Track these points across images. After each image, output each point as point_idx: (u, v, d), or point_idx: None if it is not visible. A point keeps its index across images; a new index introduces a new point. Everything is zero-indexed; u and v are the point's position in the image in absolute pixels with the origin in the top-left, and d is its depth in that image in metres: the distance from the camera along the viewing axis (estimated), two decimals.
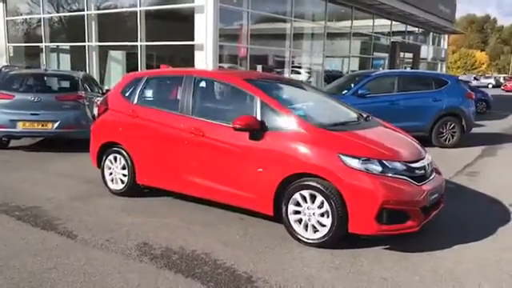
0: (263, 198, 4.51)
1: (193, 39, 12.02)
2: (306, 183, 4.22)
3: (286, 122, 4.46)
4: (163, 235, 4.47)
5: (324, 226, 4.17)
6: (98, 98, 9.72)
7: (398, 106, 10.03)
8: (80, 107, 8.83)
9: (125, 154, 5.64)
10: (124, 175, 5.72)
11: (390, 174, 4.06)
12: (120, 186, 5.78)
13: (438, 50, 30.55)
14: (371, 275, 3.70)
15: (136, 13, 12.92)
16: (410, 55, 23.23)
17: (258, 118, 4.56)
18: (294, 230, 4.34)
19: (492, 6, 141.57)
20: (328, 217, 4.13)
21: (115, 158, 5.79)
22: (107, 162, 5.88)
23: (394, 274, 3.73)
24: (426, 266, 3.88)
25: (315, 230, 4.23)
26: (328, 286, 3.49)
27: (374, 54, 20.86)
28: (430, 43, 28.50)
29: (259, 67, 13.97)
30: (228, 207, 5.09)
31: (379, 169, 4.05)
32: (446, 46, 32.07)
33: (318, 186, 4.14)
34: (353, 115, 5.20)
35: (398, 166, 4.15)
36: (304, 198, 4.26)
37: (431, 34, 28.33)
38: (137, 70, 13.36)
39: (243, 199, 4.68)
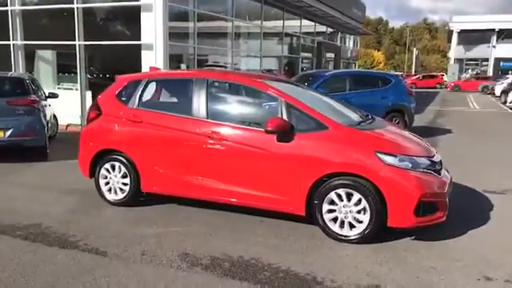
0: (296, 199, 4.56)
1: (139, 39, 11.54)
2: (341, 182, 4.35)
3: (314, 123, 4.56)
4: (198, 243, 4.34)
5: (361, 222, 4.34)
6: (44, 103, 8.99)
7: (351, 103, 10.53)
8: (34, 112, 8.11)
9: (126, 161, 5.34)
10: (124, 184, 5.41)
11: (420, 169, 4.35)
12: (120, 196, 5.45)
13: (352, 50, 32.47)
14: (420, 265, 3.94)
15: (73, 9, 12.04)
16: (332, 55, 24.45)
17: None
18: (330, 229, 4.46)
19: (381, 9, 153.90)
20: (365, 213, 4.30)
21: (113, 167, 5.45)
22: (103, 171, 5.52)
23: (437, 262, 4.01)
24: (458, 253, 4.22)
25: (352, 227, 4.39)
26: (391, 279, 3.66)
27: (301, 53, 21.63)
28: (347, 44, 30.22)
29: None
30: (239, 210, 5.06)
31: (411, 165, 4.31)
32: (358, 47, 34.21)
33: (356, 184, 4.29)
34: (360, 114, 5.43)
35: (425, 161, 4.45)
36: (339, 197, 4.39)
37: (347, 35, 30.03)
38: (75, 71, 12.53)
39: (273, 201, 4.69)
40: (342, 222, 4.42)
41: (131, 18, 11.88)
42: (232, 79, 5.45)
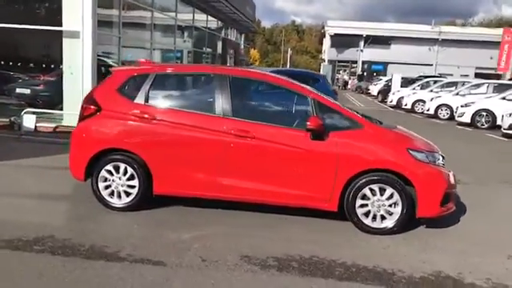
0: (329, 196, 4.72)
1: (60, 24, 10.40)
2: (376, 178, 4.63)
3: (348, 122, 4.76)
4: (248, 244, 4.24)
5: (391, 214, 4.68)
6: None
7: None
8: None
9: (134, 161, 4.91)
10: (131, 186, 4.97)
11: (439, 163, 4.84)
12: (125, 200, 5.00)
13: (242, 46, 33.22)
14: (454, 249, 4.41)
15: None
16: (232, 51, 24.80)
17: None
18: (363, 222, 4.71)
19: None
20: (396, 206, 4.65)
21: (116, 168, 4.97)
22: (103, 173, 4.99)
23: (460, 244, 4.53)
24: (469, 236, 4.80)
25: (383, 219, 4.70)
26: (446, 264, 4.04)
27: (204, 48, 21.52)
28: (242, 41, 30.85)
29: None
30: (252, 208, 5.05)
31: (434, 160, 4.78)
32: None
33: (388, 179, 4.61)
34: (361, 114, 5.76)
35: (438, 156, 4.96)
36: (372, 191, 4.67)
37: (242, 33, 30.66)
38: None
39: (308, 199, 4.77)
40: (374, 216, 4.71)
41: (49, 2, 10.66)
42: (256, 77, 5.35)
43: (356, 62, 45.35)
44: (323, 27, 49.33)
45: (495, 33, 43.61)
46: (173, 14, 17.14)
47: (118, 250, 3.96)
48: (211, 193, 4.94)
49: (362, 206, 4.70)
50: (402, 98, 22.08)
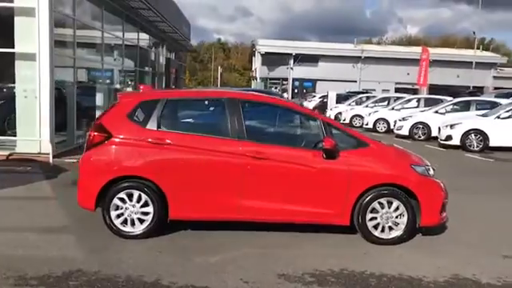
0: (342, 211, 5.01)
1: (12, 46, 9.87)
2: (384, 192, 5.00)
3: (355, 141, 5.10)
4: (277, 263, 4.39)
5: (397, 225, 5.06)
6: None
7: None
8: None
9: (149, 188, 4.88)
10: (145, 213, 4.93)
11: (432, 175, 5.32)
12: (139, 228, 4.94)
13: (181, 66, 33.06)
14: (449, 252, 4.88)
15: None
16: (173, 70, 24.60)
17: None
18: (373, 234, 5.04)
19: None
20: (402, 217, 5.04)
21: (129, 195, 4.90)
22: (115, 201, 4.91)
23: (459, 248, 5.01)
24: (461, 240, 5.31)
25: (391, 230, 5.07)
26: (449, 268, 4.46)
27: (146, 68, 21.19)
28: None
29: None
30: (261, 227, 5.19)
31: (429, 172, 5.25)
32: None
33: (395, 192, 5.00)
34: None
35: (430, 168, 5.44)
36: (381, 205, 5.03)
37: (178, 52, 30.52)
38: None
39: (322, 215, 5.02)
40: (383, 227, 5.06)
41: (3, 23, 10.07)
42: (265, 100, 5.53)
43: (287, 79, 46.87)
44: (253, 46, 50.45)
45: (410, 51, 47.31)
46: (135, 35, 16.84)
47: (158, 279, 3.94)
48: (228, 215, 5.03)
49: (371, 219, 5.04)
50: (340, 113, 23.29)
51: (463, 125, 13.91)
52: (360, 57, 46.32)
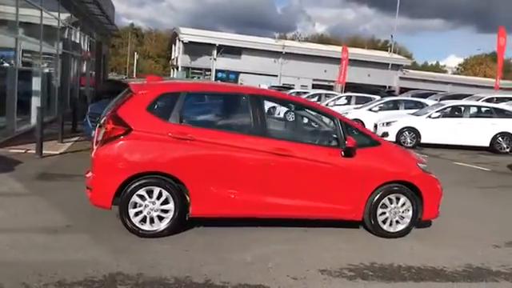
0: (357, 207, 5.22)
1: None
2: (394, 188, 5.30)
3: (369, 140, 5.33)
4: (311, 258, 4.51)
5: (403, 218, 5.40)
6: None
7: None
8: None
9: (170, 185, 4.69)
10: (165, 211, 4.73)
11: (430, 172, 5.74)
12: (160, 225, 4.73)
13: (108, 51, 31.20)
14: (453, 244, 5.32)
15: None
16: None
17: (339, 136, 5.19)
18: (382, 228, 5.33)
19: None
20: (407, 212, 5.39)
21: (149, 192, 4.67)
22: (135, 199, 4.65)
23: (457, 240, 5.48)
24: (454, 232, 5.82)
25: (397, 224, 5.40)
26: (459, 258, 4.89)
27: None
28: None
29: None
30: (272, 223, 5.25)
31: (428, 169, 5.67)
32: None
33: (402, 189, 5.32)
34: None
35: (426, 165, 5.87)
36: (390, 200, 5.33)
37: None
38: None
39: (338, 211, 5.19)
40: (391, 221, 5.37)
41: None
42: (285, 97, 5.51)
43: (210, 70, 46.50)
44: (175, 34, 49.25)
45: (328, 49, 49.58)
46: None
47: (209, 279, 3.85)
48: (250, 212, 5.00)
49: (381, 214, 5.33)
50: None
51: (398, 123, 15.00)
52: (281, 52, 47.37)
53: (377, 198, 5.25)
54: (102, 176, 4.63)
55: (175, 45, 51.79)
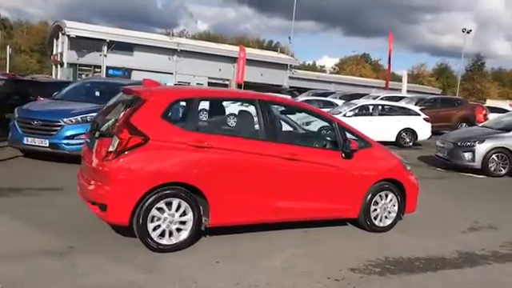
0: (355, 206, 5.51)
1: None
2: (385, 186, 5.69)
3: (361, 141, 5.64)
4: (334, 258, 4.69)
5: (390, 213, 5.83)
6: None
7: None
8: None
9: (189, 195, 4.49)
10: (183, 223, 4.52)
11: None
12: (178, 238, 4.53)
13: None
14: (436, 233, 5.90)
15: None
16: None
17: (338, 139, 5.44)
18: (374, 224, 5.69)
19: None
20: (394, 206, 5.83)
21: (168, 204, 4.43)
22: (154, 212, 4.36)
23: (436, 229, 6.06)
24: (427, 223, 6.42)
25: (386, 219, 5.81)
26: (465, 243, 5.45)
27: None
28: None
29: None
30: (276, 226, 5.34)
31: (408, 168, 6.18)
32: None
33: (390, 186, 5.74)
34: None
35: None
36: (380, 197, 5.71)
37: None
38: None
39: (341, 211, 5.44)
40: (381, 217, 5.76)
41: None
42: (290, 103, 5.51)
43: (100, 67, 43.83)
44: (59, 27, 45.39)
45: (222, 48, 50.07)
46: None
47: None
48: (265, 217, 5.01)
49: (374, 210, 5.69)
50: None
51: (318, 122, 15.82)
52: (176, 49, 46.59)
53: (370, 195, 5.60)
54: (119, 190, 4.25)
55: (57, 39, 47.89)
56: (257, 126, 4.99)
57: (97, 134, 4.70)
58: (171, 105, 4.60)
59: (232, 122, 5.30)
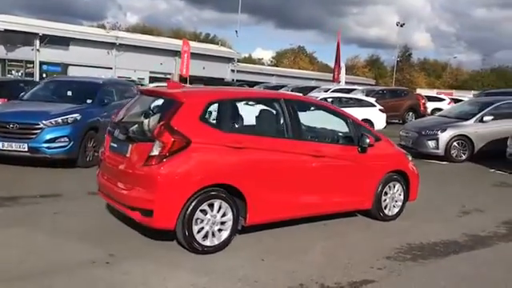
0: (369, 197, 5.80)
1: None
2: (394, 177, 6.02)
3: (373, 136, 5.91)
4: (360, 249, 4.91)
5: (397, 202, 6.17)
6: None
7: None
8: None
9: (227, 195, 4.53)
10: (223, 223, 4.55)
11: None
12: (220, 239, 4.54)
13: None
14: (437, 219, 6.32)
15: None
16: None
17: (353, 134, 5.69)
18: (385, 213, 6.01)
19: None
20: (400, 196, 6.19)
21: (211, 206, 4.43)
22: (198, 214, 4.36)
23: (436, 215, 6.49)
24: (421, 209, 6.85)
25: (393, 208, 6.15)
26: (469, 227, 5.87)
27: None
28: None
29: None
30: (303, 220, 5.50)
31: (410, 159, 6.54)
32: None
33: (398, 177, 6.08)
34: None
35: None
36: (389, 188, 6.03)
37: None
38: None
39: (357, 203, 5.71)
40: (389, 206, 6.09)
41: None
42: (312, 101, 5.61)
43: (33, 62, 41.26)
44: None
45: (162, 41, 49.04)
46: None
47: (318, 282, 3.96)
48: (296, 213, 5.18)
49: (384, 200, 6.00)
50: None
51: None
52: (115, 43, 44.96)
53: (381, 186, 5.91)
54: (166, 195, 4.19)
55: None
56: (285, 125, 5.09)
57: (123, 138, 4.59)
58: (207, 106, 4.59)
59: (261, 121, 5.34)
